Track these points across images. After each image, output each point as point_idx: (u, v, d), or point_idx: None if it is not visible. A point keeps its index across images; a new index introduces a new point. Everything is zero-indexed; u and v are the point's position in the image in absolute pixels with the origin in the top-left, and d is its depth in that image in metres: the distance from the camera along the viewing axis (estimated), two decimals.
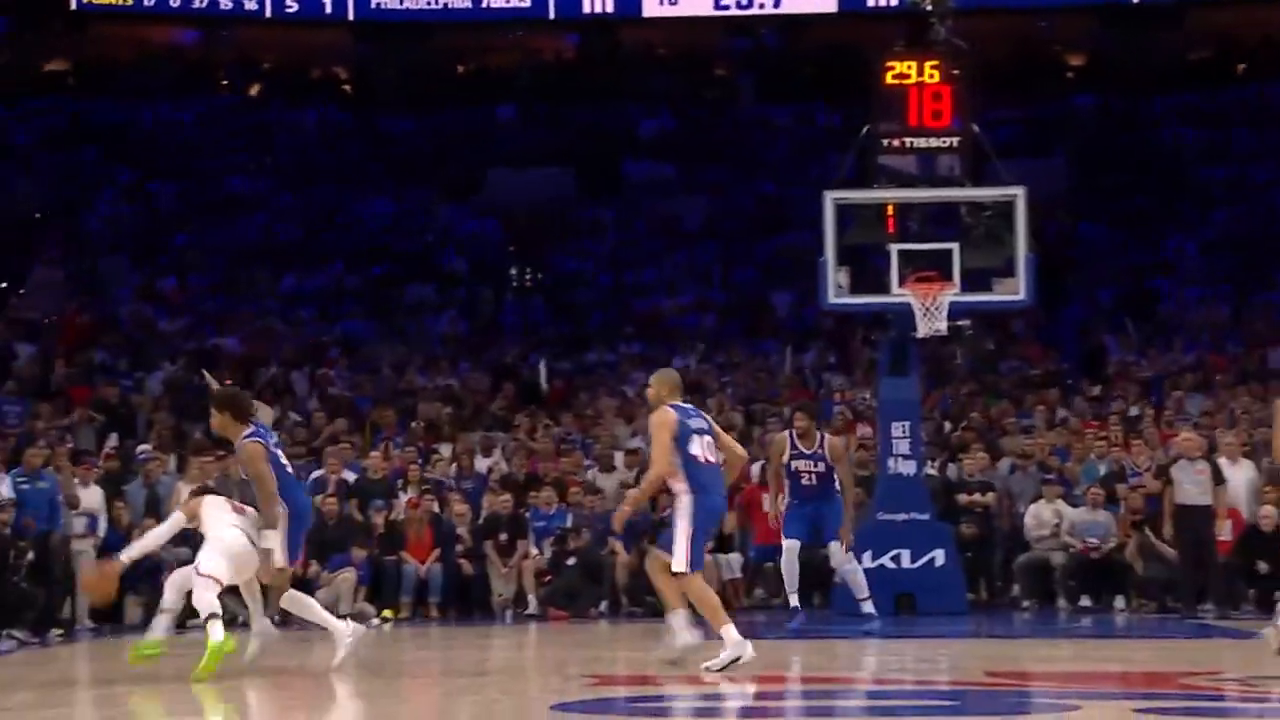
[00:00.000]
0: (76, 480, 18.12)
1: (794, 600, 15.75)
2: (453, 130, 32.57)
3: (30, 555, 16.56)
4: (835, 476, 15.43)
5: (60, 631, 16.92)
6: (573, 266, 29.57)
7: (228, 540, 11.71)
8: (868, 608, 15.64)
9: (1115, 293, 27.70)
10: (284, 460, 12.13)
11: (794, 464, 15.47)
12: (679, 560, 11.64)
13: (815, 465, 15.40)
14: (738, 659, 11.57)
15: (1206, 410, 21.19)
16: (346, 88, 34.89)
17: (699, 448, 11.64)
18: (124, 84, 33.05)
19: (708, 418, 12.11)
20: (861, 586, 15.68)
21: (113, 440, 21.31)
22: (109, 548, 17.83)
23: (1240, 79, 33.23)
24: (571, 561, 18.63)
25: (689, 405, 12.00)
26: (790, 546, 15.48)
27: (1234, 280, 27.39)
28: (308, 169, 31.77)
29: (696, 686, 11.48)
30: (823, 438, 15.55)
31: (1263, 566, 17.73)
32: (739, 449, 12.33)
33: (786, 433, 15.81)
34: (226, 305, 27.56)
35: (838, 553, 15.53)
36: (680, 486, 11.68)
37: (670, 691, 11.38)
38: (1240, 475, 18.74)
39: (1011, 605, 18.58)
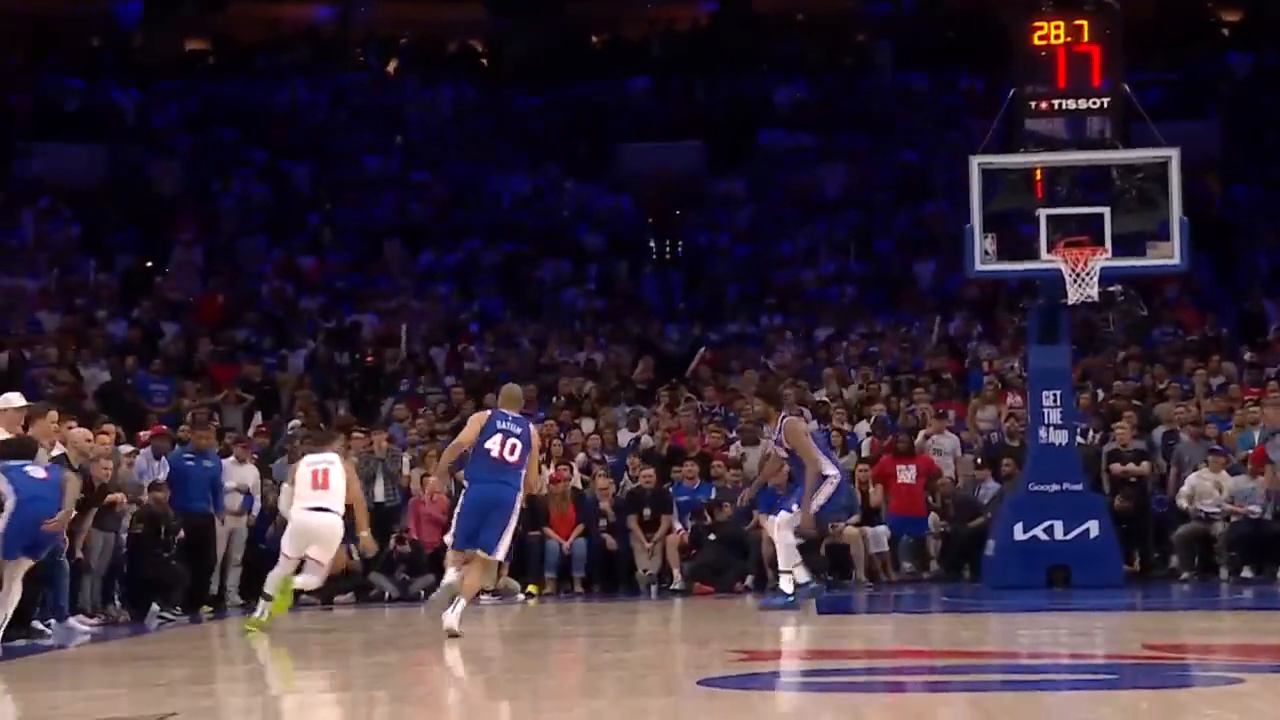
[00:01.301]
0: (234, 458, 18.21)
1: (791, 577, 15.07)
2: (583, 104, 32.42)
3: (181, 534, 16.65)
4: (799, 459, 15.00)
5: (210, 609, 17.02)
6: (709, 239, 29.32)
7: None
8: (799, 576, 14.95)
9: (1272, 257, 26.91)
10: None
11: (774, 448, 15.41)
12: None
13: (780, 450, 15.20)
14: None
15: None
16: (482, 61, 34.84)
17: (495, 444, 12.61)
18: (259, 64, 33.29)
19: (532, 431, 12.96)
20: (786, 560, 15.07)
21: (258, 418, 21.44)
22: (261, 525, 18.01)
23: None
24: (714, 536, 18.42)
25: (517, 415, 12.93)
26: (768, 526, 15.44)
27: None
28: (441, 146, 31.78)
29: (843, 660, 11.27)
30: (781, 421, 15.17)
31: None
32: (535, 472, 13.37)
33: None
34: (364, 283, 27.64)
35: (782, 518, 15.05)
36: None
37: (819, 666, 11.19)
38: None
39: (1169, 577, 18.09)
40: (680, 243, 29.88)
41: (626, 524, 18.81)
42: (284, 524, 14.53)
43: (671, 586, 18.32)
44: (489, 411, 13.12)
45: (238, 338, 24.85)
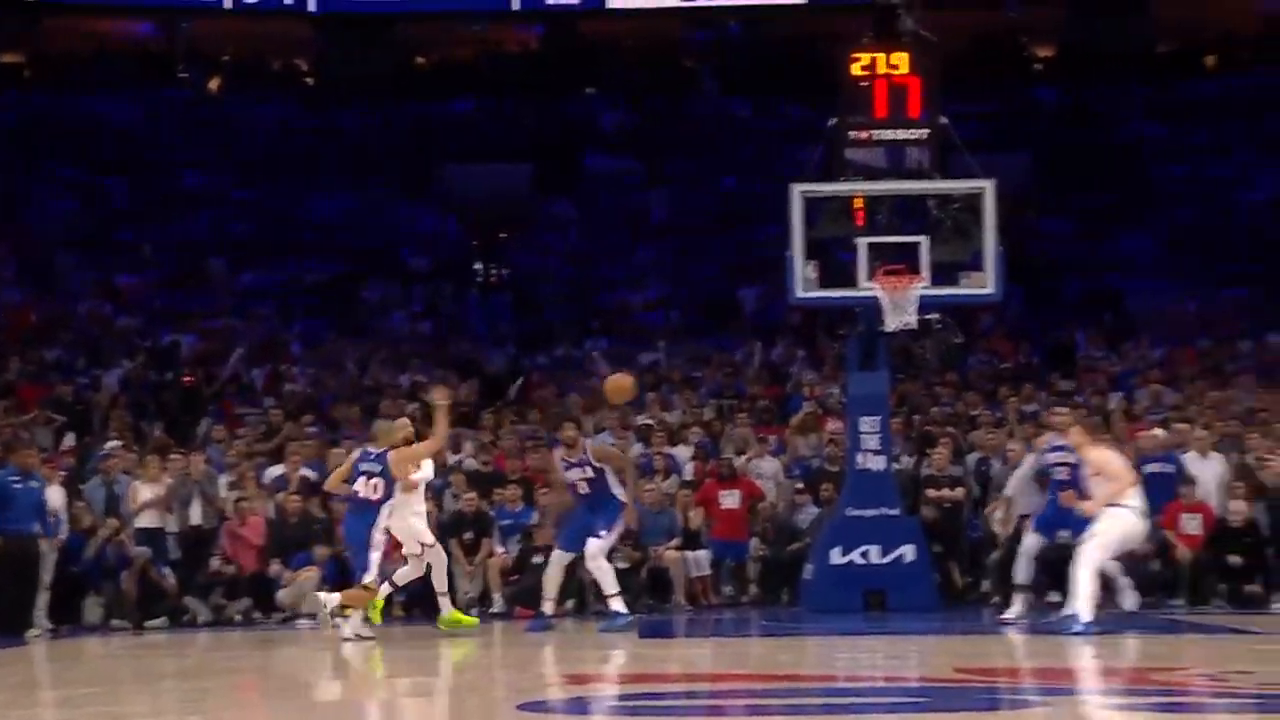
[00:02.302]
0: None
1: (549, 608, 15.80)
2: (410, 125, 32.29)
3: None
4: (609, 479, 15.42)
5: (36, 631, 16.61)
6: (535, 262, 29.34)
7: None
8: (616, 605, 15.51)
9: (1080, 288, 27.62)
10: None
11: (567, 475, 15.62)
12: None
13: (585, 472, 15.48)
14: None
15: (1175, 405, 21.09)
16: (307, 80, 34.55)
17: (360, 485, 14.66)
18: (79, 77, 32.64)
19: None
20: (610, 584, 15.55)
21: (69, 439, 20.98)
22: (71, 548, 17.61)
23: (1205, 73, 33.20)
24: (538, 559, 18.38)
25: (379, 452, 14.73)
26: (556, 558, 15.76)
27: (1196, 277, 27.34)
28: (265, 164, 31.43)
29: (663, 684, 11.34)
30: (586, 444, 15.69)
31: (1234, 560, 17.65)
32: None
33: (555, 450, 15.92)
34: (183, 302, 27.22)
35: (592, 547, 15.40)
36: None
37: (639, 690, 11.23)
38: (1210, 470, 18.65)
39: (983, 601, 18.43)
40: (506, 265, 29.87)
41: (448, 547, 18.68)
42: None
43: (492, 610, 18.25)
44: (358, 451, 14.92)
45: (49, 357, 24.30)
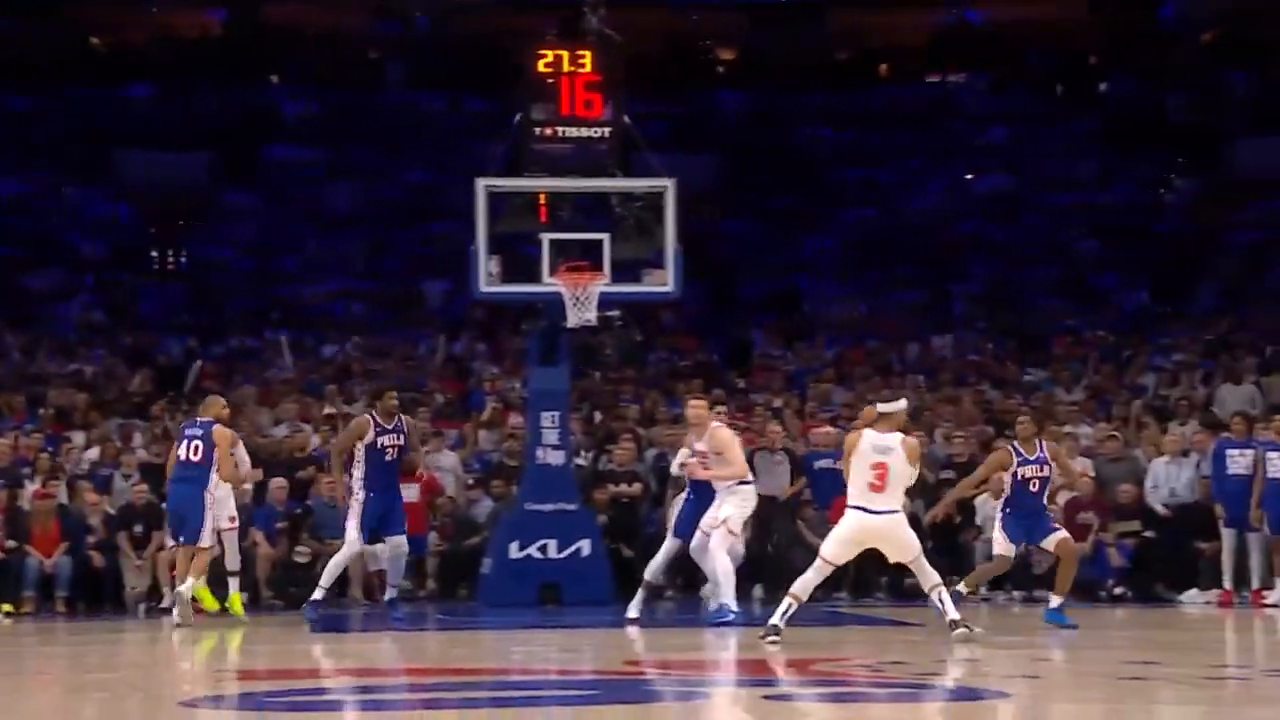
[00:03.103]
0: None
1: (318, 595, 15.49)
2: (82, 109, 31.24)
3: None
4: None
5: None
6: (214, 252, 28.70)
7: None
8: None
9: (761, 288, 28.24)
10: None
11: (380, 440, 15.37)
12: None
13: (397, 440, 15.44)
14: None
15: (846, 403, 21.69)
16: None
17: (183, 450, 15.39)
18: None
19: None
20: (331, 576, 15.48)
21: None
22: None
23: (879, 81, 34.26)
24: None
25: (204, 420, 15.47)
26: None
27: (868, 279, 28.20)
28: None
29: (337, 679, 11.22)
30: (401, 416, 15.65)
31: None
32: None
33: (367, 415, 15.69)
34: None
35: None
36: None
37: (312, 685, 11.09)
38: None
39: (657, 595, 18.65)
40: (184, 254, 29.15)
41: (116, 541, 18.17)
42: None
43: (161, 605, 17.78)
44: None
45: None
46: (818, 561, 13.16)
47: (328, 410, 20.76)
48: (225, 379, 23.14)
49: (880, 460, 12.78)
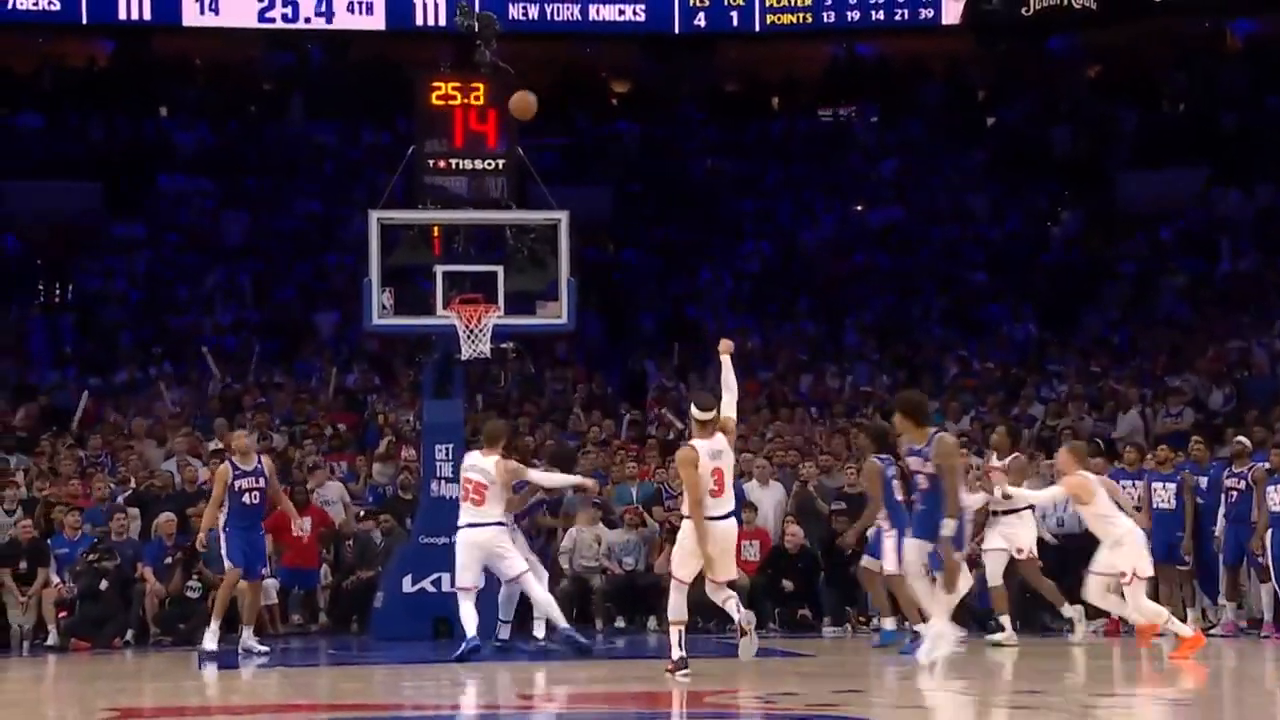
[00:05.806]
0: None
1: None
2: None
3: None
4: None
5: None
6: (102, 284, 28.34)
7: None
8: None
9: (656, 319, 28.28)
10: None
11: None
12: None
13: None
14: None
15: (741, 435, 21.74)
16: None
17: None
18: None
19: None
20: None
21: None
22: None
23: (772, 114, 34.47)
24: (105, 586, 17.74)
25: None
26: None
27: (762, 311, 28.32)
28: None
29: (225, 716, 11.09)
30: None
31: (788, 585, 18.34)
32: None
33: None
34: None
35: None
36: None
37: None
38: (769, 497, 19.37)
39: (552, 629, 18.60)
40: (71, 286, 28.76)
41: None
42: None
43: (47, 643, 17.51)
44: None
45: None
46: (673, 582, 13.09)
47: (214, 446, 20.55)
48: (115, 413, 22.88)
49: (716, 466, 12.86)
